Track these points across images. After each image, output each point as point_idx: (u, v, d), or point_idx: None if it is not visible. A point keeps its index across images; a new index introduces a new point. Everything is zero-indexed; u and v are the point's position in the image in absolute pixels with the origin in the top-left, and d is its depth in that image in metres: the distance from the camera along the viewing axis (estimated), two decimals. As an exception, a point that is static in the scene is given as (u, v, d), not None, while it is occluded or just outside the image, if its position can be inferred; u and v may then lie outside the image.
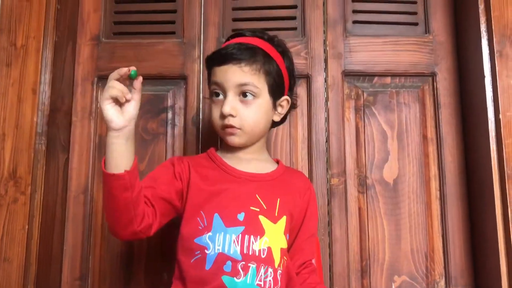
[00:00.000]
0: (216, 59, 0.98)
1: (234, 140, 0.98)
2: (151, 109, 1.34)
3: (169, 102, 1.35)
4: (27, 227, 1.17)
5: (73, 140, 1.33)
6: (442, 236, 1.26)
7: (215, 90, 0.99)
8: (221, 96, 0.98)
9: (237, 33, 1.05)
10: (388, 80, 1.34)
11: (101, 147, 1.32)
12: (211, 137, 1.27)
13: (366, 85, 1.34)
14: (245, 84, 0.95)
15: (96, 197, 1.31)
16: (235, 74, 0.95)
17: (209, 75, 1.03)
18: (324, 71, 1.33)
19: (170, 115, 1.34)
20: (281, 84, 1.00)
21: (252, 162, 1.01)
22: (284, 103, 1.03)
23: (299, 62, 1.32)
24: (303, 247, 1.02)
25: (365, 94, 1.33)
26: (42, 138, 1.23)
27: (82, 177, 1.31)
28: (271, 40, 1.02)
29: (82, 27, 1.39)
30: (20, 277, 1.15)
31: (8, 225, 1.17)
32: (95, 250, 1.29)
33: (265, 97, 0.98)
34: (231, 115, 0.95)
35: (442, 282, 1.25)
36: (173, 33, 1.39)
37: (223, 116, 0.96)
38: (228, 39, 1.05)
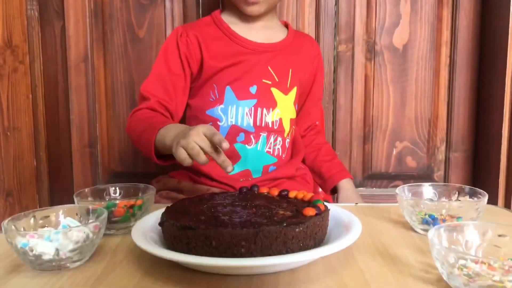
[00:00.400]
0: None
1: (254, 9, 0.90)
2: (147, -31, 1.24)
3: (166, -39, 1.24)
4: (31, 96, 1.17)
5: (67, 6, 1.25)
6: (448, 103, 1.26)
7: None
8: None
9: None
10: None
11: (97, 13, 1.26)
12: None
13: None
14: None
15: (97, 65, 1.28)
16: None
17: None
18: None
19: (167, -24, 1.24)
20: None
21: (263, 30, 0.95)
22: None
23: None
24: (310, 111, 1.03)
25: (379, -50, 1.22)
26: (33, 3, 1.17)
27: (80, 46, 1.27)
28: None
29: None
30: (31, 145, 1.19)
31: (12, 95, 1.16)
32: (101, 118, 1.30)
33: None
34: None
35: (443, 147, 1.27)
36: None
37: None
38: None
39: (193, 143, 0.63)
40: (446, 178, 1.28)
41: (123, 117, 1.30)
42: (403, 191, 0.64)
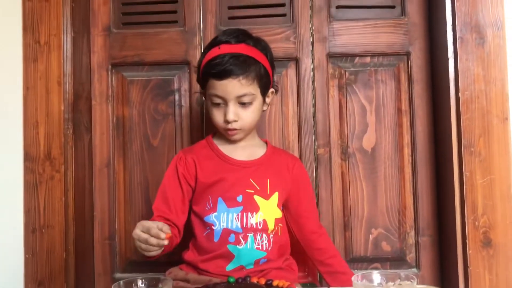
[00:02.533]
0: (216, 74, 1.11)
1: (235, 137, 1.19)
2: (160, 92, 1.54)
3: (176, 86, 1.54)
4: (63, 198, 1.41)
5: (95, 122, 1.53)
6: (413, 194, 1.49)
7: (216, 101, 1.15)
8: (221, 104, 1.15)
9: (224, 40, 1.14)
10: (367, 59, 1.52)
11: (118, 127, 1.53)
12: (213, 117, 1.48)
13: (348, 65, 1.52)
14: (244, 95, 1.13)
15: (117, 169, 1.53)
16: (235, 88, 1.11)
17: (204, 81, 1.17)
18: (311, 54, 1.51)
19: (177, 97, 1.53)
20: (268, 81, 1.19)
21: (245, 149, 1.21)
22: (270, 94, 1.23)
23: (288, 46, 1.50)
24: (309, 217, 1.25)
25: (347, 74, 1.51)
26: (69, 123, 1.45)
27: (104, 153, 1.53)
28: (257, 44, 1.16)
29: (94, 19, 1.56)
30: (62, 240, 1.41)
31: (48, 198, 1.41)
32: (119, 214, 1.53)
33: (258, 98, 1.17)
34: (235, 121, 1.14)
35: (412, 233, 1.49)
36: (176, 22, 1.55)
37: (226, 121, 1.14)
38: (214, 43, 1.16)
39: (137, 242, 0.96)
40: (417, 260, 1.48)
41: (138, 212, 1.53)
42: (357, 278, 0.86)
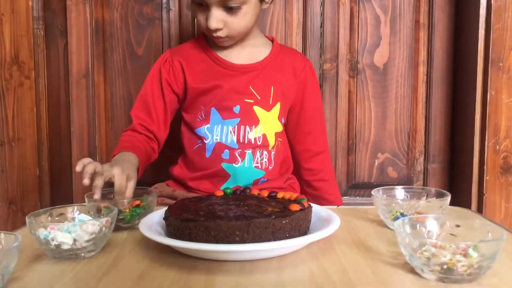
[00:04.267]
0: None
1: (223, 44, 0.99)
2: (146, -8, 1.33)
3: (164, -15, 1.34)
4: (35, 109, 1.25)
5: (70, 25, 1.33)
6: (425, 117, 1.35)
7: (197, 0, 0.95)
8: (204, 5, 0.94)
9: None
10: (385, -38, 1.32)
11: (98, 32, 1.34)
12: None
13: (363, -33, 1.32)
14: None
15: (97, 80, 1.36)
16: None
17: None
18: (321, -48, 1.30)
19: (165, -1, 1.34)
20: None
21: (245, 49, 1.03)
22: None
23: None
24: (311, 132, 1.08)
25: (361, -23, 1.32)
26: (40, 22, 1.25)
27: (82, 62, 1.35)
28: None
29: None
30: (34, 155, 1.26)
31: (17, 108, 1.24)
32: (100, 130, 1.37)
33: (250, 0, 0.94)
34: (218, 29, 0.94)
35: (421, 159, 1.37)
36: None
37: (209, 29, 0.94)
38: None
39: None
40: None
41: (121, 129, 1.36)
42: (378, 192, 0.73)
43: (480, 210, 1.20)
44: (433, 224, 0.57)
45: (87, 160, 0.77)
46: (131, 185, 0.78)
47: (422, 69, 1.34)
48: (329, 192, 1.08)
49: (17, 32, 1.22)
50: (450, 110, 1.34)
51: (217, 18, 0.93)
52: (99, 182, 0.73)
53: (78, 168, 0.76)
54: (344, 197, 1.37)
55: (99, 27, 1.34)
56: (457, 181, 1.32)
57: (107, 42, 1.35)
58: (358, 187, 1.38)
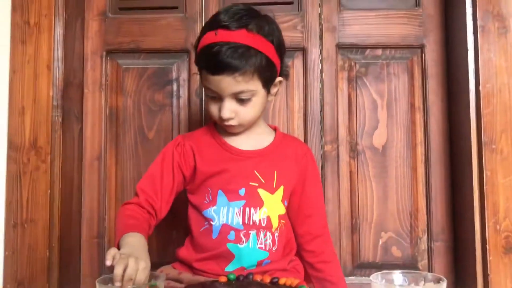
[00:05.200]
0: (209, 68, 0.98)
1: (233, 131, 1.07)
2: (157, 81, 1.44)
3: (174, 75, 1.44)
4: (49, 192, 1.30)
5: (86, 111, 1.43)
6: (426, 196, 1.38)
7: (210, 94, 1.03)
8: (217, 97, 1.02)
9: (223, 23, 0.99)
10: (379, 52, 1.42)
11: (112, 117, 1.43)
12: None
13: (359, 57, 1.43)
14: (240, 92, 0.99)
15: (109, 163, 1.42)
16: (230, 85, 0.97)
17: (199, 68, 1.04)
18: (320, 44, 1.41)
19: (175, 87, 1.43)
20: (273, 72, 1.05)
21: (250, 137, 1.09)
22: (278, 84, 1.09)
23: (295, 36, 1.41)
24: (311, 214, 1.11)
25: (357, 66, 1.42)
26: (58, 110, 1.34)
27: (95, 146, 1.43)
28: (261, 29, 1.00)
29: (89, 2, 1.46)
30: (45, 236, 1.29)
31: (32, 191, 1.29)
32: (110, 211, 1.42)
33: (260, 92, 1.02)
34: (231, 118, 1.02)
35: (425, 238, 1.38)
36: (176, 8, 1.46)
37: (221, 118, 1.02)
38: (213, 22, 1.02)
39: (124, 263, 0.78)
40: (430, 267, 1.37)
41: (130, 210, 1.41)
42: (377, 277, 0.75)
43: (486, 289, 1.20)
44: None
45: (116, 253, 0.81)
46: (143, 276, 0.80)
47: (420, 150, 1.40)
48: (332, 274, 1.09)
49: (37, 119, 1.31)
50: (450, 189, 1.37)
51: (230, 109, 1.01)
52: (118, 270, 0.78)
53: (108, 263, 0.80)
54: (350, 277, 1.37)
55: (113, 113, 1.43)
56: (462, 260, 1.32)
57: (119, 127, 1.43)
58: (364, 267, 1.38)
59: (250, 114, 1.03)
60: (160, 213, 1.05)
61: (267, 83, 1.04)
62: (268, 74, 1.03)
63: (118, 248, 0.88)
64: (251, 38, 0.99)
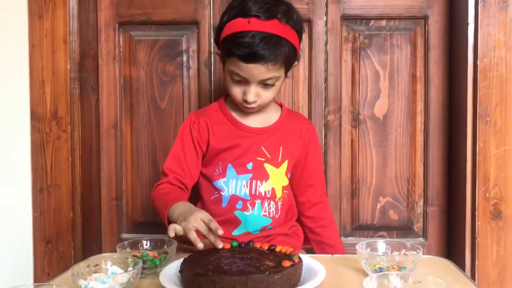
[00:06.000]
0: (243, 57, 1.02)
1: (252, 111, 1.14)
2: (168, 53, 1.50)
3: (184, 46, 1.50)
4: (70, 158, 1.41)
5: (101, 82, 1.51)
6: (424, 164, 1.46)
7: (237, 78, 1.08)
8: (242, 81, 1.07)
9: (255, 12, 1.03)
10: (383, 23, 1.46)
11: (126, 88, 1.51)
12: (222, 78, 1.45)
13: (363, 28, 1.46)
14: (269, 78, 1.06)
15: (124, 131, 1.52)
16: (261, 72, 1.03)
17: (226, 53, 1.07)
18: (325, 15, 1.45)
19: (185, 58, 1.50)
20: (296, 58, 1.12)
21: (259, 115, 1.17)
22: (292, 67, 1.15)
23: (301, 7, 1.44)
24: (313, 184, 1.20)
25: (361, 37, 1.46)
26: (76, 82, 1.43)
27: (111, 114, 1.51)
28: (289, 19, 1.05)
29: (101, -24, 1.50)
30: (69, 199, 1.41)
31: (55, 158, 1.41)
32: (127, 176, 1.53)
33: (282, 77, 1.10)
34: (254, 101, 1.09)
35: (421, 202, 1.47)
36: (185, -21, 1.49)
37: (245, 101, 1.08)
38: (242, 10, 1.04)
39: (190, 225, 0.88)
40: (424, 229, 1.47)
41: (145, 175, 1.52)
42: (362, 246, 0.84)
43: (473, 252, 1.30)
44: (396, 280, 0.68)
45: (177, 226, 0.89)
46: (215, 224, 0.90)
47: (419, 119, 1.46)
48: (330, 237, 1.20)
49: (57, 91, 1.40)
50: (446, 158, 1.44)
51: (255, 93, 1.08)
52: (193, 235, 0.87)
53: (171, 234, 0.88)
54: (349, 238, 1.48)
55: (127, 83, 1.51)
56: (454, 224, 1.41)
57: (133, 96, 1.51)
58: (362, 228, 1.49)
59: (271, 97, 1.11)
60: (189, 185, 1.15)
61: (288, 68, 1.12)
62: (293, 61, 1.11)
63: (169, 223, 0.97)
64: (282, 28, 1.04)
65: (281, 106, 1.22)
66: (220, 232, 0.87)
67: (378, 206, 1.48)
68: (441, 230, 1.46)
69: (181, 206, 0.98)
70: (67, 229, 1.42)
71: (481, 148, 1.27)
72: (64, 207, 1.42)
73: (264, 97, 1.10)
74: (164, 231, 1.21)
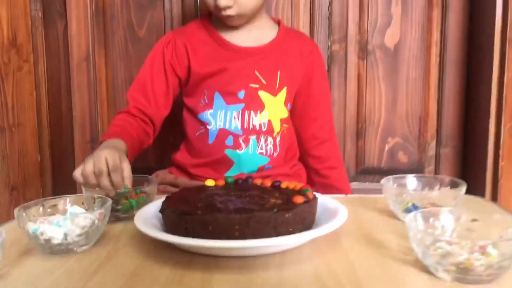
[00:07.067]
0: None
1: (232, 23, 0.94)
2: (147, -29, 1.28)
3: (165, -37, 1.28)
4: (34, 93, 1.21)
5: (69, 6, 1.29)
6: (438, 100, 1.30)
7: None
8: None
9: None
10: None
11: (98, 14, 1.30)
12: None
13: None
14: None
15: (98, 64, 1.32)
16: None
17: None
18: None
19: (166, -23, 1.28)
20: None
21: (250, 32, 0.98)
22: None
23: None
24: (316, 117, 1.03)
25: (371, -47, 1.26)
26: (37, 4, 1.21)
27: (82, 45, 1.31)
28: None
29: None
30: (35, 140, 1.23)
31: (16, 93, 1.21)
32: (102, 115, 1.34)
33: None
34: (228, 7, 0.89)
35: (433, 143, 1.32)
36: None
37: (217, 7, 0.89)
38: None
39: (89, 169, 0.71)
40: (436, 173, 1.32)
41: (123, 114, 1.33)
42: (388, 181, 0.69)
43: (495, 197, 1.16)
44: (447, 218, 0.53)
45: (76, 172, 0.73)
46: (126, 166, 0.73)
47: (434, 50, 1.28)
48: (338, 180, 1.04)
49: (14, 14, 1.18)
50: (464, 93, 1.28)
51: None
52: (105, 182, 0.70)
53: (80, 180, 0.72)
54: (353, 183, 1.33)
55: (99, 9, 1.30)
56: (471, 167, 1.27)
57: (107, 24, 1.31)
58: (368, 172, 1.34)
59: (251, 1, 0.91)
60: (157, 118, 0.97)
61: None
62: None
63: None
64: None
65: (278, 23, 1.03)
66: (127, 183, 0.70)
67: (386, 148, 1.32)
68: (455, 173, 1.31)
69: (103, 146, 0.79)
70: (35, 174, 1.24)
71: (509, 79, 1.10)
72: (30, 149, 1.23)
73: (242, 1, 0.89)
74: (147, 172, 1.05)
